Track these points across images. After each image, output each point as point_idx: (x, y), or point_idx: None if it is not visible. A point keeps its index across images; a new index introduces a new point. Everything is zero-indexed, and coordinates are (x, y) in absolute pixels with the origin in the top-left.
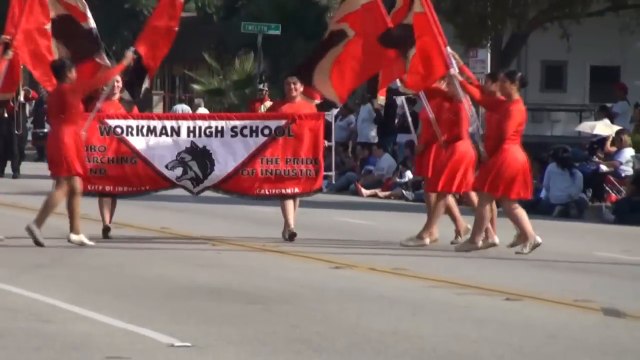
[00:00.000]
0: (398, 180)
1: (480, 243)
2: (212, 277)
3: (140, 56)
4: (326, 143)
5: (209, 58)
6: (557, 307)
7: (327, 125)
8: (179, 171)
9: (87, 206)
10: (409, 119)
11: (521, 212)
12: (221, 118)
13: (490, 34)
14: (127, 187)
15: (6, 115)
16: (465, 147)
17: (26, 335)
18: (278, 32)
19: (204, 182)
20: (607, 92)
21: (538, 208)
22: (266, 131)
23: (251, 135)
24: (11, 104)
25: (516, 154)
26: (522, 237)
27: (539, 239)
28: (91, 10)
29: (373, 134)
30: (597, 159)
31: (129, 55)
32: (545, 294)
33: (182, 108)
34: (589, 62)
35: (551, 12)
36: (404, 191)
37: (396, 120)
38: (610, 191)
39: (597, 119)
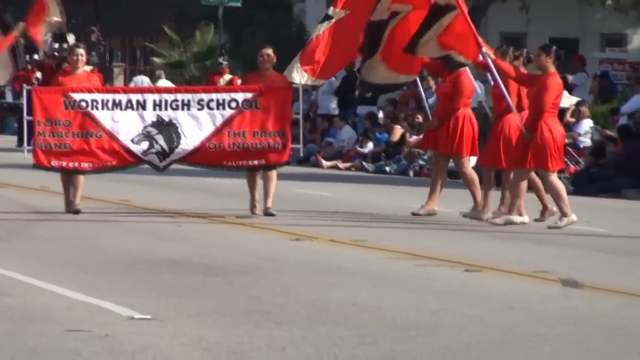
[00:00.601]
0: (359, 149)
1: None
2: (172, 249)
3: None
4: (294, 115)
5: (170, 30)
6: (516, 278)
7: (294, 98)
8: (145, 145)
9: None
10: (423, 96)
11: (560, 187)
12: (187, 91)
13: None
14: (91, 163)
15: None
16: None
17: None
18: (239, 4)
19: (170, 156)
20: (565, 63)
21: (498, 179)
22: (233, 104)
23: (218, 108)
24: None
25: (554, 128)
26: (546, 212)
27: (574, 217)
28: None
29: (333, 106)
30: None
31: (21, 25)
32: (504, 265)
33: (142, 80)
34: (547, 34)
35: None
36: (364, 162)
37: (355, 92)
38: (569, 162)
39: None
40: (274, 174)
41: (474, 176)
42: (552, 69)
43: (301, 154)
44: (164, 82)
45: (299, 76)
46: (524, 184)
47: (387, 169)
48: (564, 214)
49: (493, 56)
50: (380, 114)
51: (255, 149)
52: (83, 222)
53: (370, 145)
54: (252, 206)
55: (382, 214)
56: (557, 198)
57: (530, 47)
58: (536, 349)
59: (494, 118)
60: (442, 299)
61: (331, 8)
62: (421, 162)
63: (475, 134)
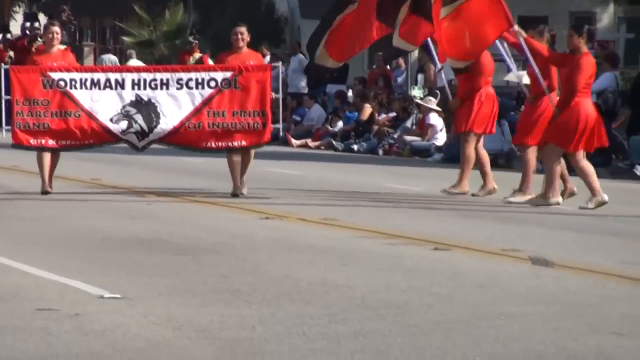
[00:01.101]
0: (329, 128)
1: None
2: (142, 228)
3: None
4: (273, 95)
5: (139, 9)
6: (486, 257)
7: (274, 77)
8: (123, 124)
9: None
10: (444, 81)
11: (588, 167)
12: (166, 70)
13: None
14: (70, 141)
15: None
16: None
17: None
18: None
19: (149, 136)
20: None
21: None
22: (212, 83)
23: (197, 88)
24: None
25: (587, 108)
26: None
27: (605, 197)
28: None
29: (303, 85)
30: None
31: None
32: (473, 244)
33: (109, 58)
34: (517, 12)
35: None
36: (333, 141)
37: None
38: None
39: (524, 68)
40: (251, 156)
41: (472, 156)
42: (584, 48)
43: (281, 134)
44: (134, 62)
45: (326, 60)
46: (558, 163)
47: (356, 147)
48: (545, 195)
49: (525, 35)
50: (350, 93)
51: (235, 129)
52: (53, 201)
53: (339, 124)
54: (236, 187)
55: (351, 193)
56: (549, 179)
57: None
58: (505, 327)
59: (532, 98)
60: (411, 278)
61: None
62: (390, 141)
63: (494, 112)
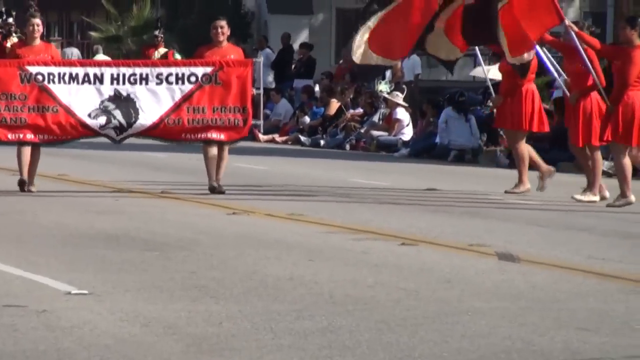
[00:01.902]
0: (296, 123)
1: (631, 197)
2: (109, 224)
3: None
4: (254, 91)
5: (107, 4)
6: (452, 252)
7: (255, 73)
8: (102, 120)
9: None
10: (488, 82)
11: (628, 163)
12: (146, 65)
13: None
14: (48, 136)
15: None
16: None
17: None
18: None
19: (127, 131)
20: None
21: (433, 152)
22: (193, 78)
23: (177, 83)
24: None
25: (638, 101)
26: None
27: (632, 198)
28: None
29: (270, 80)
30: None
31: None
32: (440, 239)
33: (72, 52)
34: None
35: None
36: (300, 136)
37: (293, 66)
38: (504, 135)
39: (490, 63)
40: (226, 152)
41: (525, 154)
42: (637, 41)
43: (261, 130)
44: (101, 57)
45: (370, 58)
46: (626, 161)
47: (322, 142)
48: (623, 194)
49: (576, 29)
50: (317, 88)
51: (215, 125)
52: (20, 196)
53: (307, 119)
54: (211, 181)
55: (318, 188)
56: (622, 176)
57: None
58: (472, 322)
59: (575, 96)
60: (378, 273)
61: None
62: (357, 136)
63: (537, 109)
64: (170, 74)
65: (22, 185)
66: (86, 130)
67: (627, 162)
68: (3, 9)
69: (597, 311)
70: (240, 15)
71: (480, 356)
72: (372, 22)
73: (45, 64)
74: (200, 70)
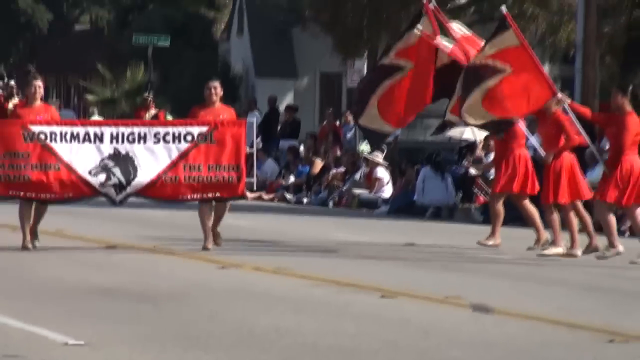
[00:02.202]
0: (282, 181)
1: (620, 247)
2: (105, 277)
3: None
4: (247, 149)
5: (102, 69)
6: (430, 304)
7: (249, 132)
8: (102, 177)
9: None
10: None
11: (614, 219)
12: (144, 124)
13: (367, 45)
14: (49, 194)
15: None
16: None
17: None
18: (167, 44)
19: (127, 189)
20: None
21: (412, 210)
22: (188, 137)
23: (174, 142)
24: None
25: (635, 163)
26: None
27: (621, 248)
28: None
29: (257, 140)
30: (466, 163)
31: None
32: (418, 292)
33: (67, 114)
34: None
35: None
36: (286, 194)
37: (279, 127)
38: (479, 193)
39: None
40: (226, 206)
41: (501, 211)
42: (628, 107)
43: (254, 187)
44: (96, 118)
45: (382, 125)
46: (610, 218)
47: (306, 200)
48: (612, 245)
49: (569, 100)
50: (302, 148)
51: (210, 182)
52: (19, 251)
53: (292, 178)
54: (206, 239)
55: (303, 243)
56: (608, 230)
57: None
58: None
59: (548, 156)
60: (359, 324)
61: (401, 60)
62: (340, 194)
63: (526, 172)
64: (167, 133)
65: (25, 250)
66: (86, 188)
67: (613, 218)
68: (4, 72)
69: None
70: (229, 78)
71: None
72: (380, 90)
73: (48, 123)
74: (195, 130)
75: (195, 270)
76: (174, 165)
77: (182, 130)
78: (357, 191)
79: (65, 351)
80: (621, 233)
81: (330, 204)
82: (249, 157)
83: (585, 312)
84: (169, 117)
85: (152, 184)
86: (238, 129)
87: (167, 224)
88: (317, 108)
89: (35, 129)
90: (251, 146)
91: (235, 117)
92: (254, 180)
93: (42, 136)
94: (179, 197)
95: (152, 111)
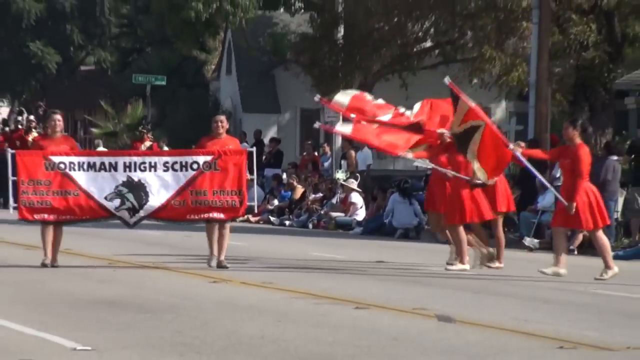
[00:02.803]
0: (267, 205)
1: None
2: (108, 290)
3: None
4: (248, 176)
5: (105, 105)
6: (399, 314)
7: (249, 160)
8: (117, 202)
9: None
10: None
11: (604, 241)
12: (154, 154)
13: (342, 84)
14: (69, 216)
15: None
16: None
17: None
18: (164, 83)
19: (139, 212)
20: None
21: (383, 230)
22: (195, 165)
23: (181, 170)
24: None
25: (590, 190)
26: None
27: (616, 269)
28: (2, 63)
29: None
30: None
31: None
32: (388, 303)
33: None
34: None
35: (392, 66)
36: (270, 217)
37: (263, 157)
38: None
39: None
40: (227, 230)
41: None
42: (578, 140)
43: (255, 210)
44: (101, 149)
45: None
46: (559, 241)
47: (287, 222)
48: (608, 267)
49: (521, 150)
50: (284, 176)
51: (215, 205)
52: (32, 268)
53: (275, 202)
54: (211, 254)
55: (285, 260)
56: (603, 251)
57: None
58: None
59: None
60: (336, 332)
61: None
62: (318, 217)
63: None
64: (175, 162)
65: (44, 267)
66: (103, 212)
67: (564, 240)
68: (23, 109)
69: None
70: (219, 114)
71: None
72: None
73: (67, 154)
74: (201, 159)
75: (189, 284)
76: (182, 190)
77: (189, 159)
78: (334, 214)
79: (73, 355)
80: (571, 251)
81: (310, 225)
82: (250, 182)
83: (537, 322)
84: (165, 149)
85: (162, 208)
86: (240, 157)
87: (162, 243)
88: (298, 140)
89: (56, 159)
90: (252, 173)
91: (240, 147)
92: (255, 204)
93: (62, 165)
94: (186, 218)
95: (147, 143)
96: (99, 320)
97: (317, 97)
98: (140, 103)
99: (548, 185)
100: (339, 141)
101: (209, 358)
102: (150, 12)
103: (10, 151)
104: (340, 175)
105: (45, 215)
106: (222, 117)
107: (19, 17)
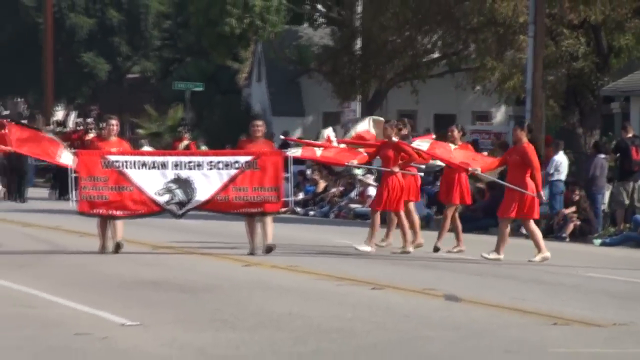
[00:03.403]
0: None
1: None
2: (153, 273)
3: None
4: (285, 174)
5: (149, 109)
6: (410, 294)
7: (286, 160)
8: (166, 197)
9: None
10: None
11: (534, 229)
12: (200, 154)
13: (360, 90)
14: (124, 211)
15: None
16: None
17: (14, 317)
18: (201, 89)
19: (186, 206)
20: (446, 134)
21: None
22: (237, 165)
23: (225, 168)
24: None
25: (530, 183)
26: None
27: (548, 254)
28: (58, 72)
29: None
30: (438, 183)
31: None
32: (401, 284)
33: None
34: (433, 111)
35: (404, 74)
36: (296, 208)
37: None
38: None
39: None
40: (269, 219)
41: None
42: (525, 139)
43: (292, 205)
44: (146, 148)
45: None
46: (506, 230)
47: (311, 212)
48: (540, 250)
49: (479, 168)
50: (309, 172)
51: (255, 201)
52: (85, 253)
53: (301, 195)
54: (252, 249)
55: (310, 246)
56: (500, 238)
57: (419, 121)
58: (425, 347)
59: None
60: (355, 310)
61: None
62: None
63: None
64: (219, 162)
65: (103, 251)
66: (154, 206)
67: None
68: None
69: (519, 339)
70: (250, 117)
71: None
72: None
73: (122, 153)
74: (242, 158)
75: (225, 267)
76: (224, 187)
77: (232, 159)
78: (353, 206)
79: (123, 330)
80: (562, 238)
81: (332, 215)
82: (286, 180)
83: (533, 301)
84: (203, 147)
85: (207, 202)
86: (277, 157)
87: (201, 231)
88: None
89: (112, 158)
90: (287, 172)
91: (274, 148)
92: (290, 199)
93: (117, 164)
94: (229, 212)
95: (185, 142)
96: (144, 299)
97: (282, 136)
98: (180, 107)
99: (508, 184)
100: None
101: (242, 332)
102: (189, 27)
103: (72, 150)
104: (358, 171)
105: (102, 210)
106: (260, 122)
107: (73, 32)
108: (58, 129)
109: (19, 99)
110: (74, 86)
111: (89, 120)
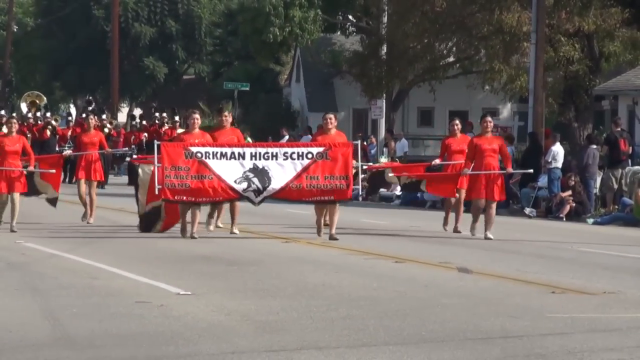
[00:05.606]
0: None
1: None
2: (205, 248)
3: None
4: (355, 164)
5: (203, 105)
6: (428, 267)
7: (355, 151)
8: (244, 185)
9: None
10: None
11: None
12: (276, 146)
13: (385, 89)
14: (205, 198)
15: None
16: None
17: (81, 287)
18: (247, 89)
19: (263, 193)
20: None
21: (416, 203)
22: (310, 155)
23: (298, 159)
24: None
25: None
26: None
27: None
28: (124, 74)
29: None
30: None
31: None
32: (420, 258)
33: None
34: (448, 108)
35: (423, 76)
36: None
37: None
38: None
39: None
40: (337, 209)
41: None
42: (459, 133)
43: (360, 192)
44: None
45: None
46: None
47: None
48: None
49: (467, 170)
50: None
51: (326, 189)
52: (142, 233)
53: None
54: (319, 230)
55: (341, 225)
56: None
57: (436, 116)
58: (441, 313)
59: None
60: (380, 280)
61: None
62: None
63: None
64: (293, 153)
65: (188, 237)
66: (233, 193)
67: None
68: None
69: (522, 305)
70: (290, 112)
71: (447, 335)
72: None
73: (203, 145)
74: (315, 150)
75: (267, 244)
76: (298, 176)
77: (305, 150)
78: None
79: (177, 299)
80: (559, 218)
81: (360, 198)
82: (355, 170)
83: (534, 273)
84: (249, 140)
85: (281, 190)
86: (347, 148)
87: (248, 212)
88: (351, 133)
89: (194, 149)
90: (357, 161)
91: (346, 140)
92: (359, 187)
93: (199, 154)
94: (302, 199)
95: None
96: (197, 272)
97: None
98: (229, 104)
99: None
100: (382, 133)
101: (282, 300)
102: (238, 34)
103: (156, 142)
104: (383, 159)
105: (185, 197)
106: (332, 115)
107: (137, 39)
108: (90, 108)
109: (89, 97)
110: (137, 86)
111: (164, 114)
